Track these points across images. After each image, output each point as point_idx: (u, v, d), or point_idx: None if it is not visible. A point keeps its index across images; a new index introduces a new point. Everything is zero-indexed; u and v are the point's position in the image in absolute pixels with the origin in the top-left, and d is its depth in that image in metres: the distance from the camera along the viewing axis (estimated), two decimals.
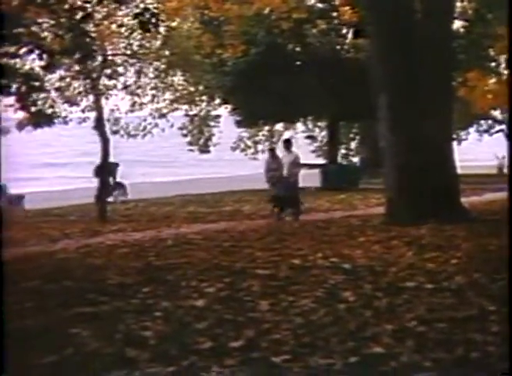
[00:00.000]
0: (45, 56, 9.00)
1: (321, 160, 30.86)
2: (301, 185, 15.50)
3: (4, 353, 4.25)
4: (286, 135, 31.72)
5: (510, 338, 4.43)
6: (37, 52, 8.94)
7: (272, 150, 16.83)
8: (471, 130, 33.55)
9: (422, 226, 10.59)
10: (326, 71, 23.46)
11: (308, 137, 32.65)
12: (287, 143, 15.81)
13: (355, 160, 32.36)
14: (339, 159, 29.37)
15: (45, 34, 10.80)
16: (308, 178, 25.53)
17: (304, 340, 4.95)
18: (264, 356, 4.63)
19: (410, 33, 12.02)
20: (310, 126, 32.19)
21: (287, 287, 6.72)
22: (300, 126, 31.79)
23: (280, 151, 16.16)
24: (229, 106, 27.00)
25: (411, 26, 12.09)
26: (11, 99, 9.71)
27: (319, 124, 31.37)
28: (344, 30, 25.10)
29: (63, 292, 6.90)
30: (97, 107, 17.51)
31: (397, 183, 12.12)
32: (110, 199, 21.73)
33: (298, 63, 24.68)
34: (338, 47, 24.88)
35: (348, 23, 21.85)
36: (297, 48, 24.67)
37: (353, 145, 33.61)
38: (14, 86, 9.00)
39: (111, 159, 17.62)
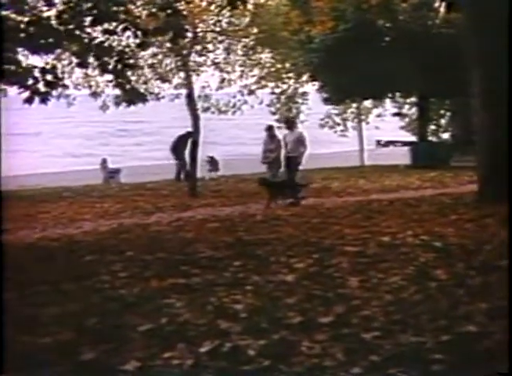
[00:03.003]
0: (139, 34, 9.18)
1: (411, 138, 30.34)
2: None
3: (4, 353, 4.25)
4: (375, 111, 31.39)
5: (510, 337, 4.28)
6: (132, 30, 9.13)
7: (269, 129, 16.00)
8: None
9: None
10: (417, 47, 22.93)
11: (396, 114, 32.10)
12: (289, 123, 15.51)
13: (445, 136, 31.63)
14: (429, 136, 28.78)
15: (140, 11, 11.04)
16: (398, 156, 25.20)
17: (395, 317, 4.91)
18: (354, 332, 4.62)
19: (506, 4, 11.61)
20: (399, 103, 31.59)
21: (376, 265, 6.66)
22: (389, 103, 31.27)
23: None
24: (317, 84, 26.80)
25: None
26: (109, 76, 9.98)
27: (409, 100, 30.76)
28: (436, 4, 24.41)
29: (158, 263, 7.11)
30: (188, 84, 17.74)
31: (490, 160, 11.80)
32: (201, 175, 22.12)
33: (387, 38, 24.22)
34: (430, 22, 24.23)
35: None
36: (387, 24, 24.19)
37: (443, 122, 32.84)
38: (112, 63, 9.23)
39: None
